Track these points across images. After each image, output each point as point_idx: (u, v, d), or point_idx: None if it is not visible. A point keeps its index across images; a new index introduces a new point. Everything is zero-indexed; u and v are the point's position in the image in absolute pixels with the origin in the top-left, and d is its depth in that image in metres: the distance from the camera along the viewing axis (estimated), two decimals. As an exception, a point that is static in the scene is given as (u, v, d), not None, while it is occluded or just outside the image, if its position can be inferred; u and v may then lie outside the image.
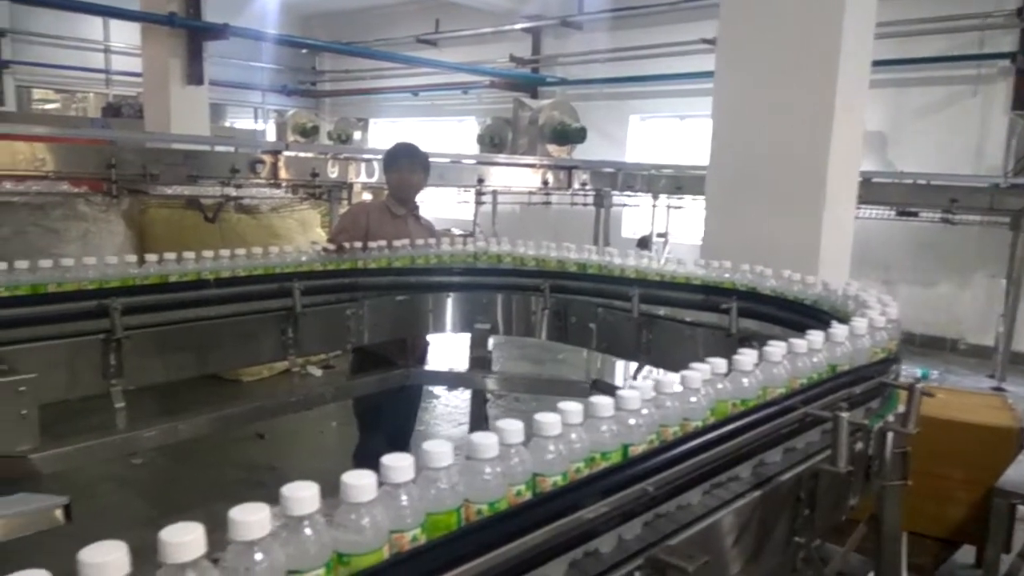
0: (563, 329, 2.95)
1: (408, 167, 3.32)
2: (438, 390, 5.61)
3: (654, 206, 8.31)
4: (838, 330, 1.61)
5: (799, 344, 1.48)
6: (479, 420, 3.15)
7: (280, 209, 6.14)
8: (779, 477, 1.38)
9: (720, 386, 1.29)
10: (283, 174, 5.50)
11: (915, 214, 6.90)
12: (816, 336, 1.54)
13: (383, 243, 2.96)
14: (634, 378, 2.80)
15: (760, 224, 3.25)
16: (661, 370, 2.76)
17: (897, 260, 7.92)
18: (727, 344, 2.48)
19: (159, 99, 7.23)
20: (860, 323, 1.69)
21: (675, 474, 1.11)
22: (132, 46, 10.45)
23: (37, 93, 13.22)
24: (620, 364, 5.42)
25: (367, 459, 2.78)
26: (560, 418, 0.98)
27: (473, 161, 7.40)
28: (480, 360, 3.03)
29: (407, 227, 3.26)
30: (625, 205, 8.67)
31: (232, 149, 6.00)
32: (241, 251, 2.64)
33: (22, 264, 2.16)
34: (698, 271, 2.67)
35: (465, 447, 0.91)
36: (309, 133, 11.86)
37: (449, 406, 5.61)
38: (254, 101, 14.66)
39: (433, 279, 2.97)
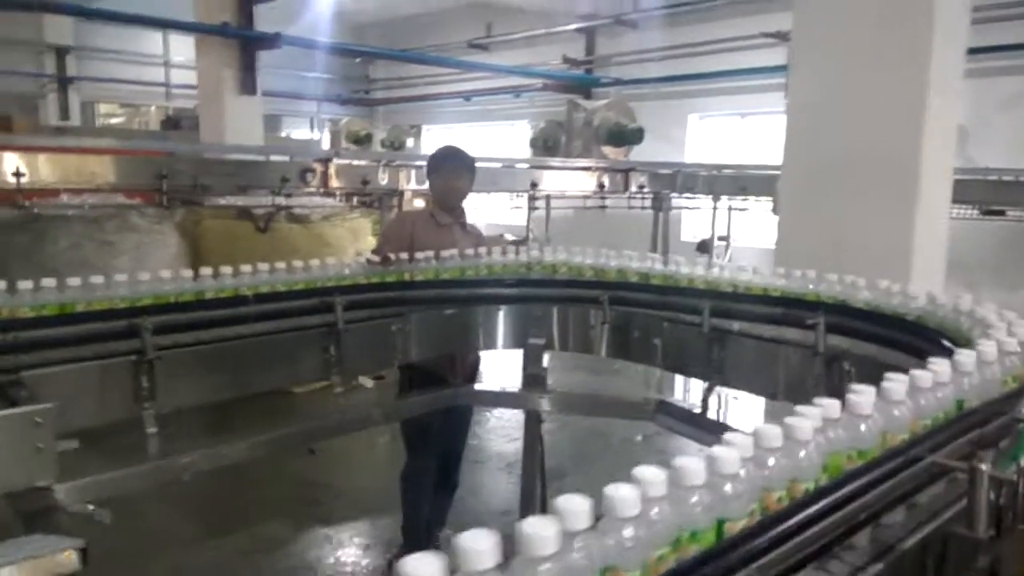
0: (625, 345, 2.70)
1: (453, 172, 3.13)
2: (492, 402, 5.43)
3: (715, 208, 7.96)
4: (965, 357, 1.34)
5: (923, 377, 1.22)
6: (534, 442, 2.93)
7: (332, 218, 6.05)
8: (902, 544, 1.12)
9: (832, 434, 1.04)
10: (334, 182, 5.39)
11: (1002, 212, 6.41)
12: (941, 366, 1.28)
13: (430, 254, 2.77)
14: (704, 399, 2.54)
15: (843, 227, 2.95)
16: (734, 391, 2.50)
17: (981, 262, 7.38)
18: (812, 364, 2.21)
19: (213, 110, 7.26)
20: (989, 347, 1.41)
21: (785, 554, 0.87)
22: (191, 59, 10.62)
23: (103, 108, 13.61)
24: (681, 379, 5.12)
25: (416, 482, 2.58)
26: (637, 492, 0.75)
27: (526, 165, 7.20)
28: (534, 378, 2.82)
29: (454, 236, 3.08)
30: (684, 208, 8.35)
31: (286, 158, 5.94)
32: (281, 265, 2.48)
33: (49, 282, 2.04)
34: (777, 281, 2.40)
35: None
36: (362, 141, 11.86)
37: (502, 419, 5.41)
38: (309, 111, 14.80)
39: (484, 291, 2.77)
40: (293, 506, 4.09)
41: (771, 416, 3.43)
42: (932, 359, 1.30)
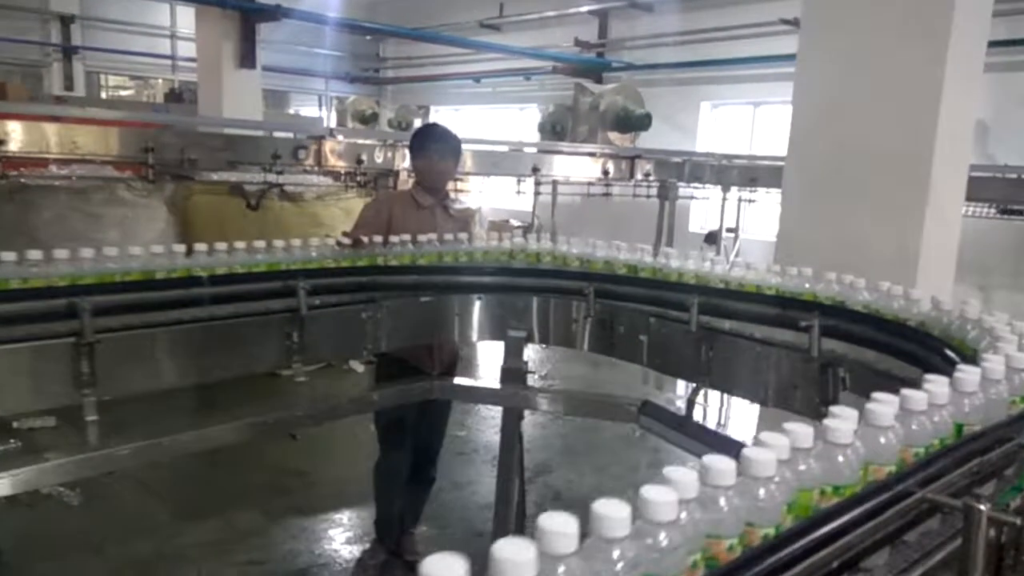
0: (608, 340, 2.55)
1: (437, 152, 2.96)
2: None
3: (724, 199, 7.75)
4: (967, 374, 1.17)
5: (916, 398, 1.05)
6: (511, 438, 2.78)
7: (325, 197, 5.89)
8: (884, 593, 0.96)
9: (803, 467, 0.88)
10: (328, 161, 5.23)
11: (1021, 212, 6.18)
12: (939, 385, 1.11)
13: (407, 237, 2.62)
14: (690, 400, 2.38)
15: (847, 224, 2.77)
16: (723, 394, 2.34)
17: (996, 264, 7.16)
18: (805, 369, 2.05)
19: (211, 83, 7.11)
20: (995, 363, 1.25)
21: (729, 618, 0.72)
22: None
23: (113, 80, 13.47)
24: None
25: (388, 476, 2.44)
26: (532, 552, 0.59)
27: (530, 150, 7.02)
28: (514, 372, 2.66)
29: (435, 219, 2.92)
30: (692, 198, 8.14)
31: (280, 135, 5.79)
32: (241, 245, 2.34)
33: (-18, 256, 1.90)
34: (772, 279, 2.23)
35: None
36: (368, 120, 11.67)
37: (492, 408, 5.26)
38: (318, 88, 14.62)
39: (461, 279, 2.61)
40: (267, 493, 3.96)
41: (764, 422, 3.26)
42: (928, 376, 1.14)
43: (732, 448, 2.11)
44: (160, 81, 13.28)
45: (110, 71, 12.75)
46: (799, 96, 3.06)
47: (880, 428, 0.98)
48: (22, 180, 5.03)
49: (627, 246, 2.65)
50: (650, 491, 0.69)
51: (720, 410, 4.78)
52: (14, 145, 4.35)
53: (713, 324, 2.26)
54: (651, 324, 2.42)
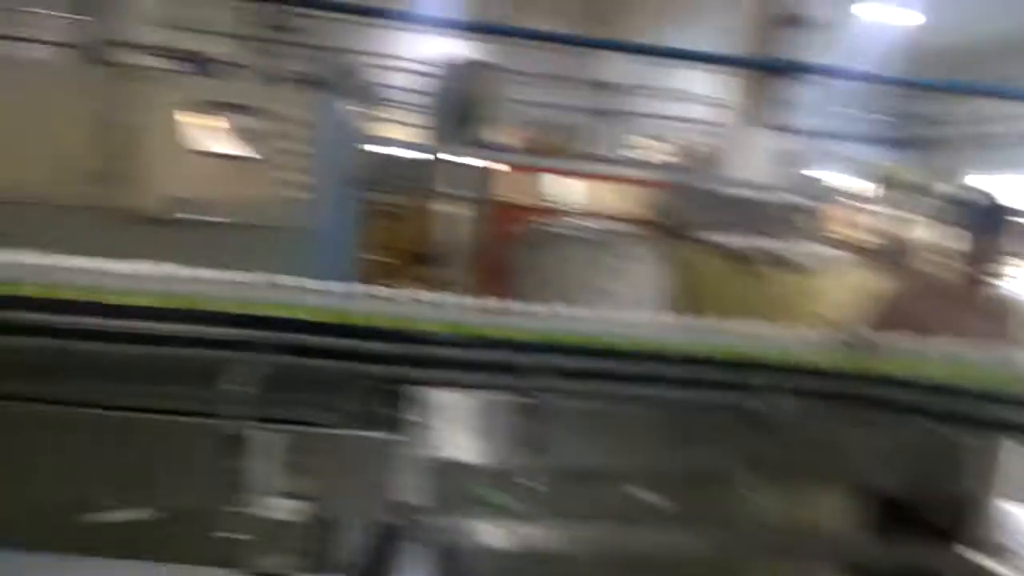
0: None
1: (993, 229, 2.19)
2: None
3: None
4: None
5: None
6: None
7: (829, 270, 5.26)
8: None
9: None
10: (834, 228, 4.64)
11: None
12: None
13: (925, 340, 1.95)
14: None
15: None
16: None
17: None
18: None
19: (725, 144, 7.08)
20: None
21: None
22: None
23: (645, 141, 14.76)
24: None
25: None
26: None
27: None
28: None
29: (966, 319, 2.14)
30: None
31: (785, 199, 5.38)
32: (708, 323, 2.01)
33: (448, 298, 1.94)
34: None
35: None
36: (907, 189, 10.34)
37: None
38: (857, 152, 13.63)
39: (987, 410, 1.81)
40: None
41: None
42: None
43: None
44: (692, 143, 14.03)
45: (640, 132, 13.98)
46: None
47: None
48: (544, 227, 5.62)
49: None
50: None
51: None
52: (540, 195, 4.85)
53: None
54: None
